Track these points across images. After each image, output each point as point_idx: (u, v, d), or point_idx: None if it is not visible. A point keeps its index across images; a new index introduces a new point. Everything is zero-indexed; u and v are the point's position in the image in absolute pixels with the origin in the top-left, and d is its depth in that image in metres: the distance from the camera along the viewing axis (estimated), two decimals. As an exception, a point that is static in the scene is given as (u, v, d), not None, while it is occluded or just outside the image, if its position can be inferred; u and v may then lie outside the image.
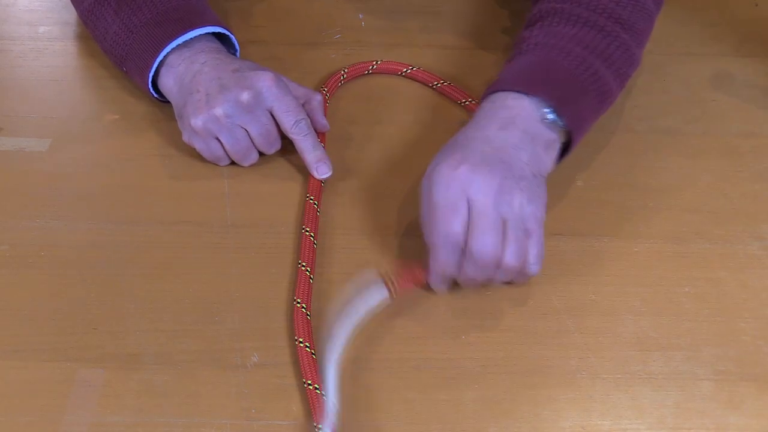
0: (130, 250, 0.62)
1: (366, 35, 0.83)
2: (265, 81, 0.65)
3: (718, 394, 0.55)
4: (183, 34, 0.67)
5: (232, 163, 0.68)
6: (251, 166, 0.68)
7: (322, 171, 0.66)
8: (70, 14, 0.83)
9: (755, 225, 0.66)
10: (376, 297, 0.57)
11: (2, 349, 0.56)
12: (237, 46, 0.73)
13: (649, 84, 0.78)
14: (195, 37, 0.68)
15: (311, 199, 0.65)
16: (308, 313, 0.57)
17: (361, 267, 0.61)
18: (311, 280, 0.60)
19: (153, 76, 0.68)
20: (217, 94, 0.64)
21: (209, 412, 0.53)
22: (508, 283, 0.60)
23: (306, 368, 0.54)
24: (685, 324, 0.59)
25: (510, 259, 0.56)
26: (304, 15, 0.85)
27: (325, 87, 0.75)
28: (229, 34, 0.71)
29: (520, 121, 0.60)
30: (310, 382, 0.53)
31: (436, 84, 0.77)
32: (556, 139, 0.61)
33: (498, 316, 0.59)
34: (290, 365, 0.55)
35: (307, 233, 0.62)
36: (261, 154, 0.68)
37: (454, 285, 0.59)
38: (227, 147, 0.66)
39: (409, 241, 0.63)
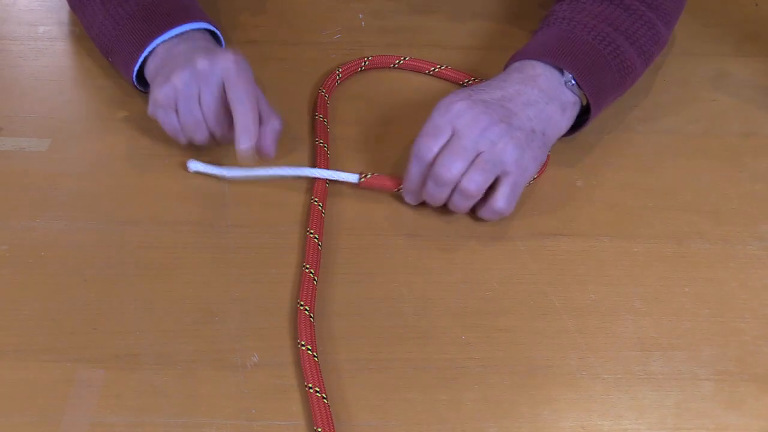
0: (130, 250, 0.62)
1: (366, 35, 0.83)
2: (225, 56, 0.64)
3: (718, 394, 0.55)
4: (169, 30, 0.67)
5: (222, 156, 0.67)
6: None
7: (243, 141, 0.62)
8: (70, 14, 0.83)
9: (755, 225, 0.66)
10: (346, 175, 0.66)
11: (2, 349, 0.56)
12: (223, 43, 0.73)
13: (649, 84, 0.78)
14: (183, 32, 0.68)
15: (316, 201, 0.65)
16: (311, 315, 0.57)
17: (365, 269, 0.61)
18: (315, 283, 0.59)
19: (139, 65, 0.68)
20: (179, 66, 0.64)
21: (209, 412, 0.53)
22: (479, 217, 0.63)
23: (308, 372, 0.54)
24: (685, 324, 0.59)
25: (467, 183, 0.60)
26: (304, 15, 0.85)
27: (323, 89, 0.75)
28: (215, 30, 0.71)
29: (542, 81, 0.64)
30: (311, 385, 0.53)
31: (433, 69, 0.77)
32: (576, 102, 0.65)
33: (498, 316, 0.59)
34: (291, 366, 0.55)
35: (312, 235, 0.62)
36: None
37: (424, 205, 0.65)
38: (180, 118, 0.65)
39: (414, 242, 0.63)
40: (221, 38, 0.73)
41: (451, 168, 0.60)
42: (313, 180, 0.67)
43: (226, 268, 0.61)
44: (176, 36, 0.68)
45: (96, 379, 0.54)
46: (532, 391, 0.55)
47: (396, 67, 0.79)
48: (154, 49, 0.67)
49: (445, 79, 0.78)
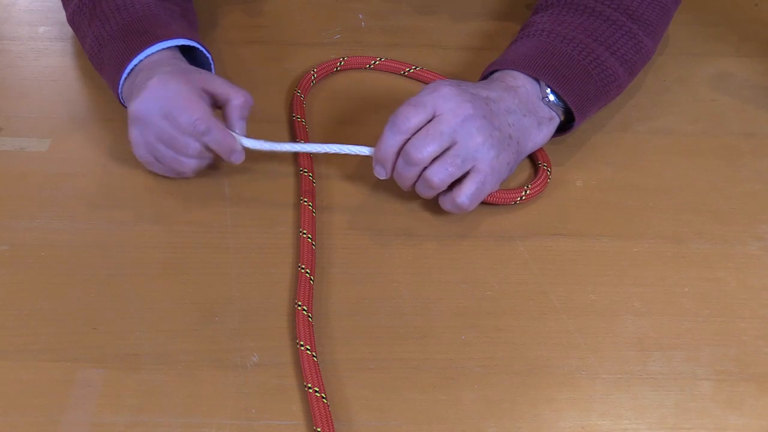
0: (130, 250, 0.62)
1: (366, 35, 0.83)
2: (149, 88, 0.62)
3: (718, 394, 0.55)
4: (146, 48, 0.65)
5: (219, 165, 0.68)
6: (252, 165, 0.68)
7: (236, 159, 0.64)
8: (70, 14, 0.83)
9: (755, 225, 0.66)
10: (361, 149, 0.64)
11: (2, 349, 0.56)
12: (209, 55, 0.70)
13: (649, 84, 0.78)
14: (162, 50, 0.66)
15: (305, 201, 0.65)
16: (309, 315, 0.57)
17: (365, 269, 0.61)
18: (312, 282, 0.60)
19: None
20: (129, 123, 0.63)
21: (209, 412, 0.53)
22: (440, 206, 0.63)
23: (308, 372, 0.54)
24: (685, 324, 0.59)
25: (432, 174, 0.59)
26: (304, 15, 0.85)
27: (299, 89, 0.75)
28: (197, 45, 0.69)
29: (522, 93, 0.64)
30: (310, 385, 0.53)
31: (408, 70, 0.77)
32: (553, 117, 0.66)
33: (498, 316, 0.59)
34: (290, 365, 0.55)
35: (305, 236, 0.62)
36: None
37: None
38: (165, 164, 0.64)
39: (414, 242, 0.63)
40: (205, 51, 0.70)
41: (423, 150, 0.59)
42: (300, 179, 0.67)
43: (226, 268, 0.61)
44: (154, 56, 0.65)
45: (96, 379, 0.54)
46: (531, 391, 0.55)
47: (371, 68, 0.79)
48: (132, 70, 0.66)
49: (420, 80, 0.78)
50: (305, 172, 0.67)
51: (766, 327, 0.59)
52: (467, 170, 0.60)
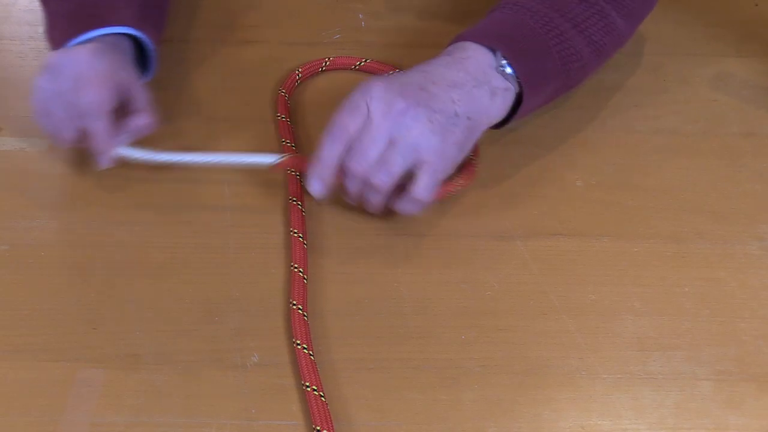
0: (130, 250, 0.62)
1: (366, 35, 0.83)
2: (79, 51, 0.62)
3: (718, 394, 0.55)
4: (87, 32, 0.64)
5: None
6: (252, 167, 0.68)
7: (101, 161, 0.63)
8: (70, 14, 0.83)
9: (755, 225, 0.66)
10: (259, 158, 0.63)
11: (2, 349, 0.56)
12: (151, 46, 0.68)
13: (649, 84, 0.78)
14: (108, 34, 0.65)
15: (294, 201, 0.65)
16: (305, 314, 0.57)
17: (365, 269, 0.61)
18: (305, 281, 0.59)
19: None
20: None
21: (209, 412, 0.53)
22: (400, 212, 0.61)
23: (305, 371, 0.54)
24: (685, 324, 0.59)
25: (373, 176, 0.57)
26: (304, 15, 0.85)
27: (283, 89, 0.75)
28: (139, 35, 0.67)
29: (470, 64, 0.61)
30: (308, 384, 0.53)
31: (391, 73, 0.77)
32: (508, 88, 0.62)
33: (498, 316, 0.59)
34: (290, 365, 0.55)
35: (296, 235, 0.62)
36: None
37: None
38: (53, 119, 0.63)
39: (414, 242, 0.63)
40: (149, 43, 0.68)
41: (362, 162, 0.57)
42: (287, 179, 0.67)
43: (226, 268, 0.61)
44: (93, 39, 0.64)
45: (96, 379, 0.54)
46: (531, 391, 0.55)
47: (357, 69, 0.79)
48: None
49: None
50: (293, 171, 0.67)
51: (766, 327, 0.59)
52: (413, 164, 0.58)
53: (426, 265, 0.62)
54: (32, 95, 0.62)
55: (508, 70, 0.61)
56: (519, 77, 0.62)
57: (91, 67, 0.61)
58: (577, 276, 0.62)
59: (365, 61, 0.78)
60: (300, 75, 0.77)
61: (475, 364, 0.56)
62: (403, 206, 0.60)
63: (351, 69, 0.79)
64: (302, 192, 0.66)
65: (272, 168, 0.63)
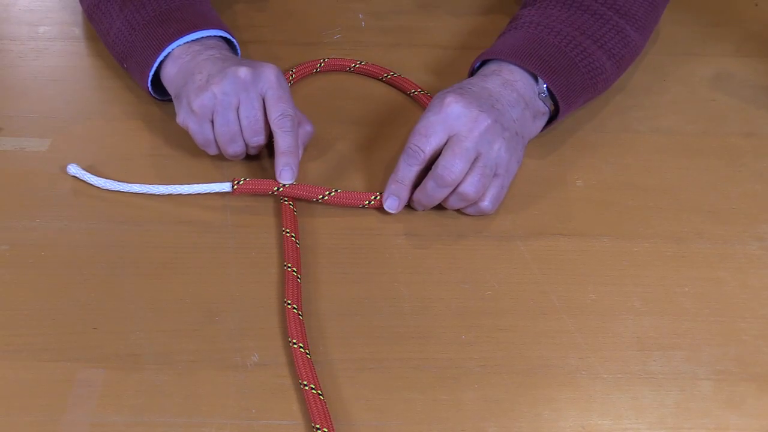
0: (130, 250, 0.62)
1: (366, 35, 0.83)
2: (268, 68, 0.64)
3: (718, 394, 0.55)
4: (186, 34, 0.67)
5: (222, 157, 0.68)
6: (251, 166, 0.68)
7: (285, 176, 0.64)
8: (70, 14, 0.83)
9: (755, 225, 0.66)
10: (217, 186, 0.65)
11: (2, 349, 0.56)
12: (239, 51, 0.73)
13: (649, 84, 0.78)
14: (200, 38, 0.68)
15: (286, 201, 0.65)
16: (300, 313, 0.57)
17: (365, 269, 0.62)
18: (299, 280, 0.59)
19: (155, 72, 0.68)
20: (218, 74, 0.63)
21: (209, 412, 0.53)
22: (462, 211, 0.65)
23: (301, 369, 0.54)
24: (685, 324, 0.59)
25: (468, 187, 0.61)
26: (304, 15, 0.85)
27: None
28: (231, 38, 0.71)
29: (520, 87, 0.65)
30: (305, 382, 0.53)
31: (386, 76, 0.77)
32: (546, 112, 0.68)
33: (498, 316, 0.59)
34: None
35: (288, 234, 0.62)
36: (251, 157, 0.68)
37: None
38: (217, 128, 0.64)
39: (414, 242, 0.63)
40: (237, 46, 0.72)
41: (454, 171, 0.60)
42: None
43: (226, 268, 0.61)
44: (195, 41, 0.67)
45: (96, 379, 0.54)
46: (532, 391, 0.55)
47: (352, 71, 0.79)
48: (171, 53, 0.67)
49: (396, 87, 0.77)
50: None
51: (767, 327, 0.59)
52: (493, 177, 0.62)
53: (426, 265, 0.62)
54: (216, 108, 0.63)
55: (545, 93, 0.66)
56: (556, 96, 0.66)
57: (281, 84, 0.64)
58: (577, 276, 0.62)
59: (361, 63, 0.78)
60: (294, 76, 0.77)
61: (475, 364, 0.56)
62: (469, 211, 0.64)
63: (346, 71, 0.79)
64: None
65: (233, 192, 0.65)
